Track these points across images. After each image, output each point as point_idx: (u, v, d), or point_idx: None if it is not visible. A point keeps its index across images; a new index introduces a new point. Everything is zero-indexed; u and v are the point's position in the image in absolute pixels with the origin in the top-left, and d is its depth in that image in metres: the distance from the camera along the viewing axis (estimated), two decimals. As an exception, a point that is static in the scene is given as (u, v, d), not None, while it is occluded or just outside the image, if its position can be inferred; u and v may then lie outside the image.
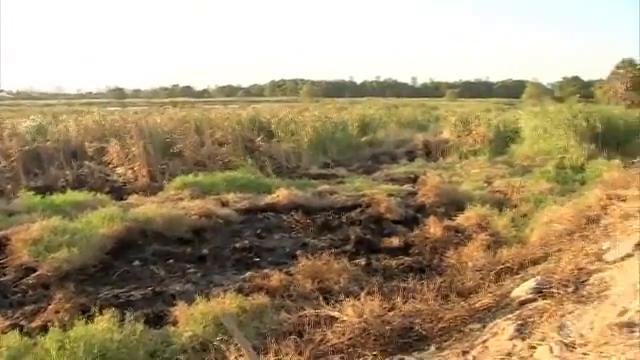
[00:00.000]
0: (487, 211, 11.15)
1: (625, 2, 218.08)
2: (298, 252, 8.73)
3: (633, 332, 4.28)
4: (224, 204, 12.79)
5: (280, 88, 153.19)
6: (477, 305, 6.30)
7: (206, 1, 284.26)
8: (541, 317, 5.30)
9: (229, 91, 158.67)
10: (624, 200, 10.90)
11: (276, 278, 7.66)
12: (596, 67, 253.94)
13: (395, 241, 10.14)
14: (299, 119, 25.89)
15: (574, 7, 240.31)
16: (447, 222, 10.95)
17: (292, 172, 18.96)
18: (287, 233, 10.97)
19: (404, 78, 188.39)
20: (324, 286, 7.38)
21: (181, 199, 13.00)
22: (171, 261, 9.15)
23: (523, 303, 5.93)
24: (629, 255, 6.68)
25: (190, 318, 6.00)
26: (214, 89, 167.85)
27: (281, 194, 13.22)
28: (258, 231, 11.09)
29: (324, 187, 14.69)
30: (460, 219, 11.08)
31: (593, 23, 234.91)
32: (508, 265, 7.91)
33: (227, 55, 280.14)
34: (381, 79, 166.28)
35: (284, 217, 11.88)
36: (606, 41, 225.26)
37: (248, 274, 8.18)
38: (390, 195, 13.31)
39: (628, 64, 71.16)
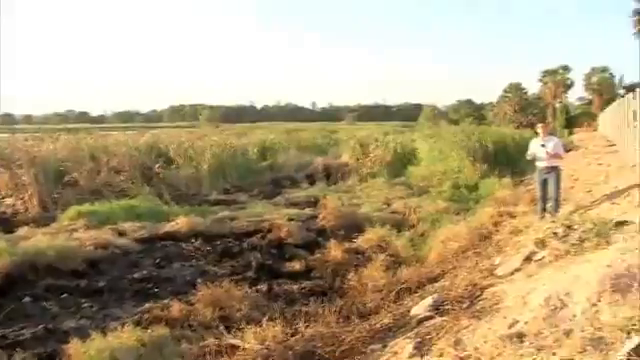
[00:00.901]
0: (386, 232, 11.43)
1: (512, 31, 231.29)
2: (198, 280, 8.60)
3: (522, 342, 4.49)
4: (121, 234, 12.43)
5: (179, 113, 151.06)
6: (378, 325, 6.42)
7: (100, 23, 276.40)
8: (438, 334, 5.47)
9: (127, 117, 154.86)
10: (514, 216, 11.47)
11: (176, 308, 7.50)
12: (487, 90, 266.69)
13: (296, 265, 10.21)
14: (198, 145, 25.58)
15: (466, 36, 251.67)
16: (347, 244, 11.14)
17: (192, 199, 18.67)
18: (187, 261, 10.77)
19: (304, 102, 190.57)
20: (225, 314, 7.31)
21: (75, 230, 12.52)
22: (65, 296, 8.76)
23: (421, 321, 6.09)
24: (518, 269, 7.03)
25: (85, 356, 5.76)
26: (111, 115, 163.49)
27: (181, 222, 13.00)
28: (157, 260, 10.84)
29: (224, 213, 14.59)
30: (360, 241, 11.30)
31: (484, 50, 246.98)
32: (407, 284, 8.12)
33: (124, 80, 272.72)
34: (281, 103, 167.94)
35: (184, 245, 11.69)
36: (496, 66, 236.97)
37: (147, 305, 7.96)
38: (291, 219, 13.38)
39: (515, 88, 75.43)
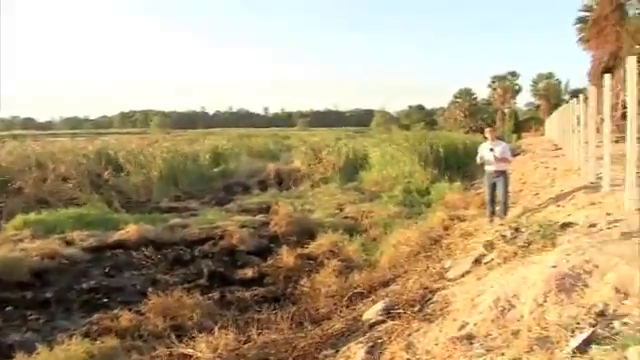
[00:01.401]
0: (339, 237, 11.50)
1: (464, 38, 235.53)
2: (149, 290, 8.46)
3: (472, 344, 4.56)
4: (69, 243, 12.16)
5: (130, 120, 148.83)
6: (330, 331, 6.44)
7: (45, 28, 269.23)
8: (390, 337, 5.52)
9: (75, 123, 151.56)
10: (464, 220, 11.66)
11: (126, 318, 7.38)
12: (438, 96, 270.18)
13: (249, 272, 10.17)
14: (149, 151, 25.25)
15: (419, 41, 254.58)
16: (300, 250, 11.16)
17: (142, 206, 18.39)
18: (137, 270, 10.60)
19: (256, 108, 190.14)
20: (177, 323, 7.22)
21: (21, 240, 12.17)
22: (10, 308, 8.49)
23: (373, 325, 6.14)
24: (467, 272, 7.15)
25: (30, 370, 5.62)
26: (59, 121, 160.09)
27: (131, 230, 12.78)
28: (107, 270, 10.64)
29: (176, 221, 14.41)
30: (312, 246, 11.34)
31: (435, 56, 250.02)
32: (360, 289, 8.17)
33: (73, 85, 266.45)
34: (233, 109, 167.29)
35: (134, 254, 11.46)
36: (446, 72, 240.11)
37: (96, 316, 7.79)
38: (243, 226, 13.36)
39: (465, 93, 77.08)
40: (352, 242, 11.25)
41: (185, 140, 40.55)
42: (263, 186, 22.97)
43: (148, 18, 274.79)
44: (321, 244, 11.24)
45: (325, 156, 26.24)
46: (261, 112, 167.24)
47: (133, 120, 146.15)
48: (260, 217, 15.13)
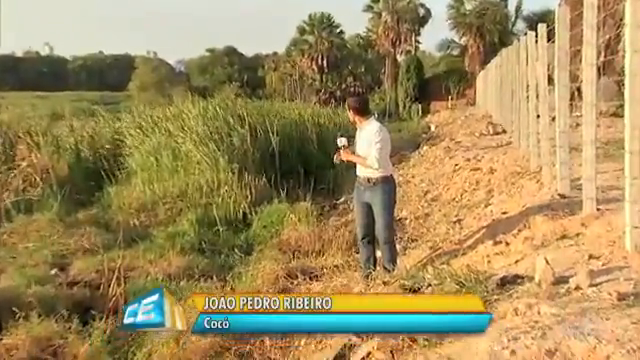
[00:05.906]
0: (56, 327, 11.18)
1: None
2: None
3: None
4: None
5: None
6: None
7: None
8: None
9: None
10: (316, 277, 11.74)
11: None
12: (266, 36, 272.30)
13: None
14: None
15: None
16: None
17: None
18: None
19: None
20: None
21: None
22: None
23: None
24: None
25: None
26: None
27: None
28: None
29: None
30: (-4, 349, 10.92)
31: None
32: None
33: None
34: None
35: None
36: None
37: None
38: None
39: (320, 24, 76.63)
40: (86, 334, 10.98)
41: None
42: None
43: None
44: (14, 345, 10.87)
45: (27, 154, 25.73)
46: None
47: None
48: None
